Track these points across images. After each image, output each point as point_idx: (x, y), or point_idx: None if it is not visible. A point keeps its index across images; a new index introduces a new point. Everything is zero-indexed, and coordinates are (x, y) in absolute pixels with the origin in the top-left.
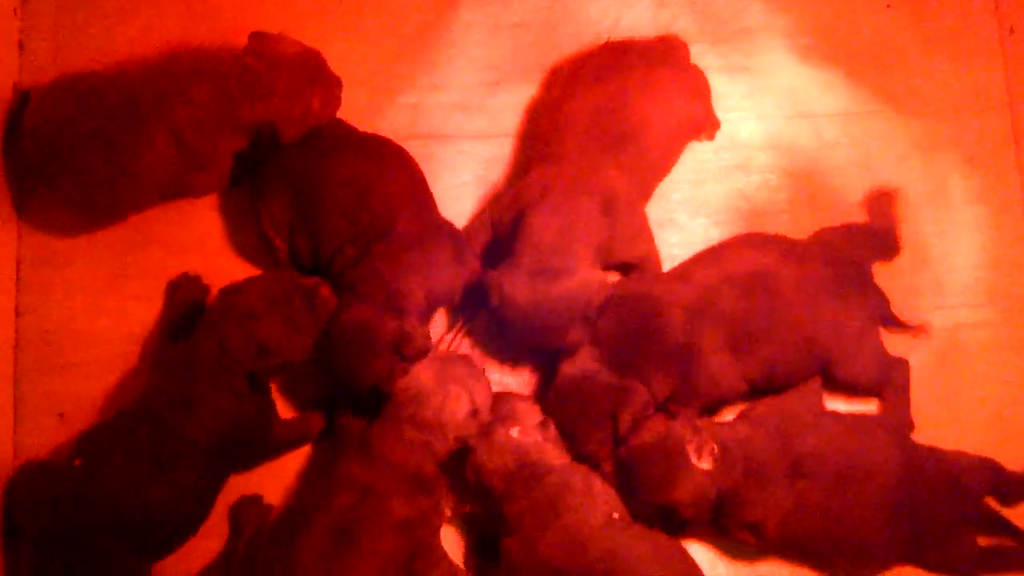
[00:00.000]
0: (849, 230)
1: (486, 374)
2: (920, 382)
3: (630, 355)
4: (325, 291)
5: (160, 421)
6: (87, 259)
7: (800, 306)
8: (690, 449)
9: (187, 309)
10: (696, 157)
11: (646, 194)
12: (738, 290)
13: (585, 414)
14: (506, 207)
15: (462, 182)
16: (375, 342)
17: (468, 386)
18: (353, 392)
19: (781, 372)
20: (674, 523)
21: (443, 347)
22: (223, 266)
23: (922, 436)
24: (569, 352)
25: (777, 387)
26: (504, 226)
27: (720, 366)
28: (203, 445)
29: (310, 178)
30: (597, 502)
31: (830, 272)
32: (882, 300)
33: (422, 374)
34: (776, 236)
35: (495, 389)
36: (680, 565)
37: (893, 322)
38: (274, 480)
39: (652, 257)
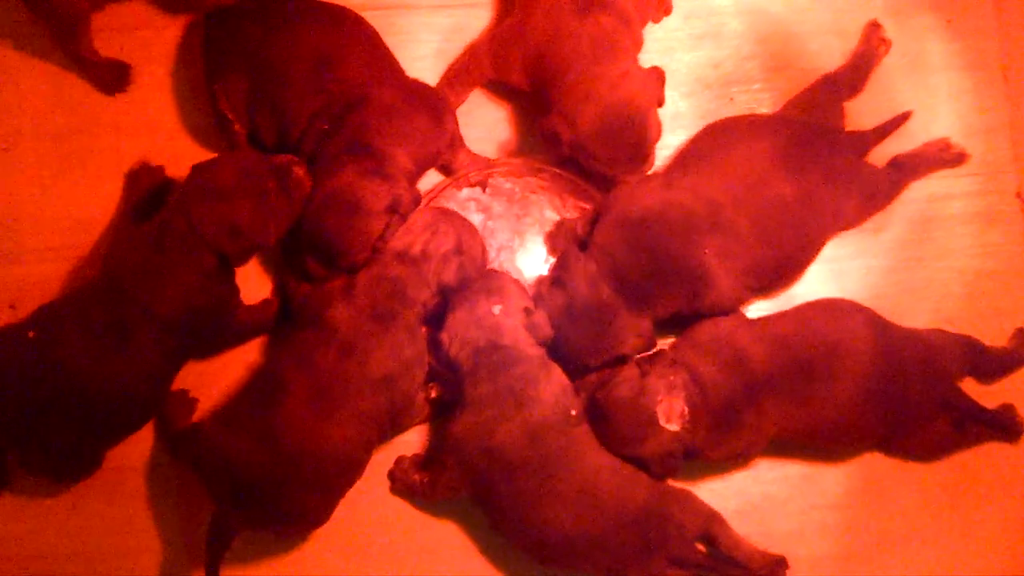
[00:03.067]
0: (812, 96)
1: (476, 228)
2: (895, 252)
3: (639, 273)
4: (299, 171)
5: (122, 294)
6: (32, 144)
7: (804, 216)
8: (659, 411)
9: (148, 196)
10: (665, 26)
11: (637, 44)
12: (742, 204)
13: (583, 336)
14: (513, 43)
15: (422, 54)
16: (368, 208)
17: (456, 228)
18: (346, 262)
19: (783, 275)
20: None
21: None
22: (177, 149)
23: (898, 306)
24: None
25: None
26: (513, 63)
27: (727, 285)
28: (165, 321)
29: (269, 53)
30: (559, 398)
31: (818, 158)
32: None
33: (414, 218)
34: (758, 120)
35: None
36: (630, 468)
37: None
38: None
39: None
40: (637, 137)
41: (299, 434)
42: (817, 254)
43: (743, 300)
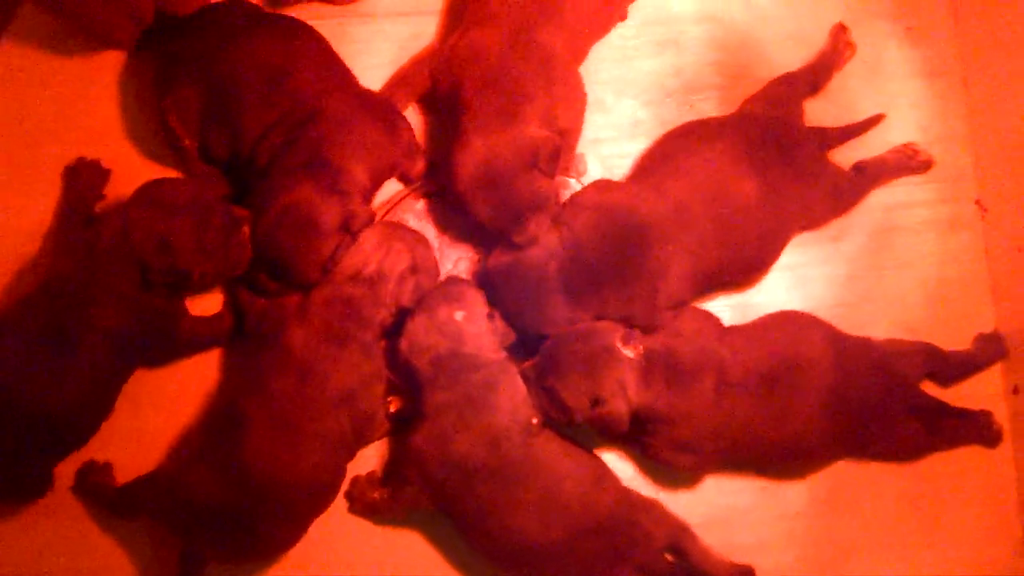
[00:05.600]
0: (772, 92)
1: (430, 243)
2: (855, 261)
3: (600, 267)
4: (246, 230)
5: (62, 304)
6: None
7: (767, 213)
8: (616, 337)
9: (88, 194)
10: (623, 34)
11: (580, 57)
12: (708, 207)
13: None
14: (441, 70)
15: (377, 63)
16: (321, 224)
17: (410, 245)
18: (298, 280)
19: (745, 273)
20: (593, 425)
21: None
22: (125, 161)
23: (856, 314)
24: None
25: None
26: (442, 90)
27: (680, 287)
28: (105, 331)
29: (220, 66)
30: (519, 406)
31: (781, 152)
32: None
33: (364, 236)
34: (718, 121)
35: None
36: (595, 476)
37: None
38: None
39: (577, 128)
40: (500, 200)
41: (265, 465)
42: (780, 251)
43: (691, 300)
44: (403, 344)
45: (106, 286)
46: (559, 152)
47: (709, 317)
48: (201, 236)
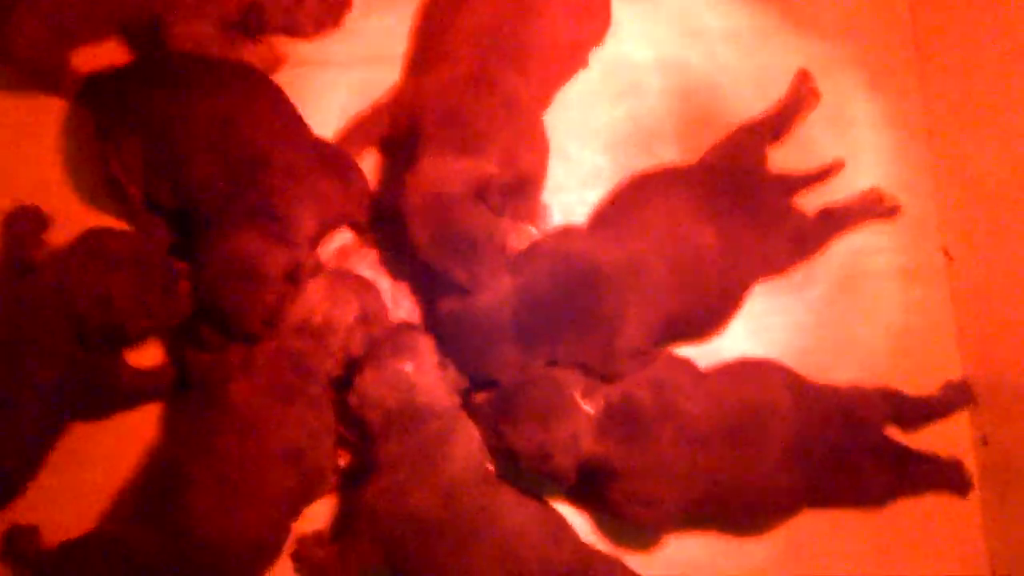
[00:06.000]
0: (735, 140)
1: (379, 290)
2: (820, 309)
3: (555, 314)
4: (184, 284)
5: None
6: None
7: (728, 262)
8: (578, 389)
9: (27, 240)
10: (584, 81)
11: (545, 103)
12: (664, 254)
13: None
14: (401, 108)
15: (332, 111)
16: (265, 274)
17: (359, 294)
18: (241, 332)
19: (704, 324)
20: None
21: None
22: (67, 210)
23: (821, 363)
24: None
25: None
26: (401, 131)
27: (638, 334)
28: (37, 388)
29: (165, 117)
30: (474, 453)
31: (742, 200)
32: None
33: (311, 286)
34: (677, 169)
35: (399, 320)
36: (552, 530)
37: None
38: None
39: (540, 175)
40: (440, 226)
41: (208, 525)
42: (742, 302)
43: (650, 351)
44: (352, 399)
45: (39, 340)
46: (510, 191)
47: (683, 365)
48: (141, 292)
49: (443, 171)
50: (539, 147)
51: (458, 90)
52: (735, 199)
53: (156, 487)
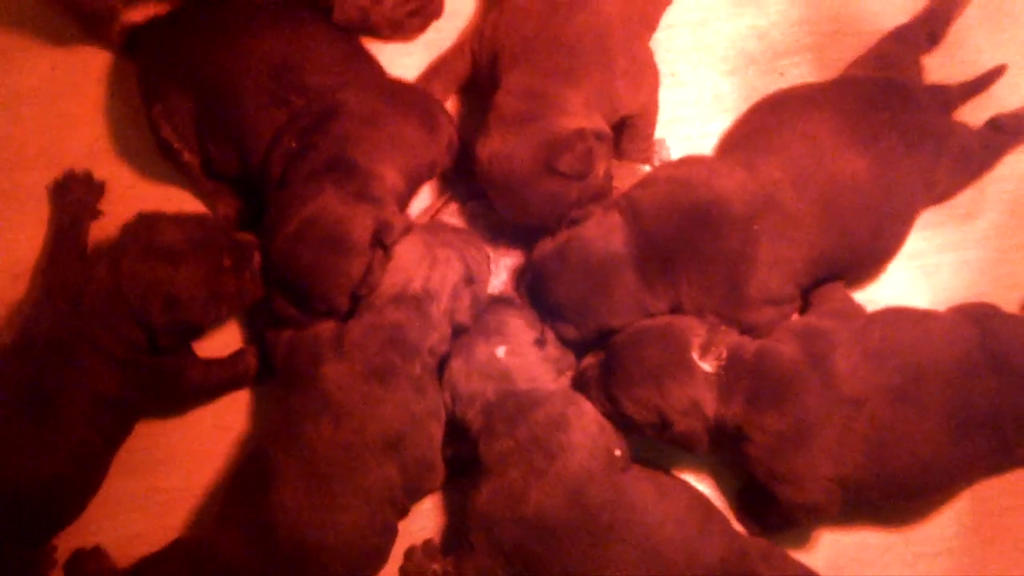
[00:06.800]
0: (881, 51)
1: (481, 242)
2: (990, 242)
3: (671, 247)
4: (257, 259)
5: (39, 369)
6: None
7: (881, 191)
8: (695, 344)
9: (81, 212)
10: None
11: (650, 23)
12: (804, 185)
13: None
14: (479, 44)
15: (409, 49)
16: (349, 240)
17: (459, 251)
18: (323, 306)
19: (858, 265)
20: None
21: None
22: (121, 183)
23: (999, 305)
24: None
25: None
26: (483, 66)
27: (775, 277)
28: (93, 395)
29: (213, 66)
30: (596, 438)
31: (893, 120)
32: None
33: (404, 248)
34: (815, 87)
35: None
36: (699, 519)
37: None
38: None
39: (651, 109)
40: (514, 205)
41: (297, 526)
42: (904, 237)
43: (794, 298)
44: (445, 397)
45: (94, 345)
46: (592, 151)
47: (848, 314)
48: (208, 282)
49: (510, 141)
50: (646, 78)
51: (538, 20)
52: (886, 118)
53: (240, 483)
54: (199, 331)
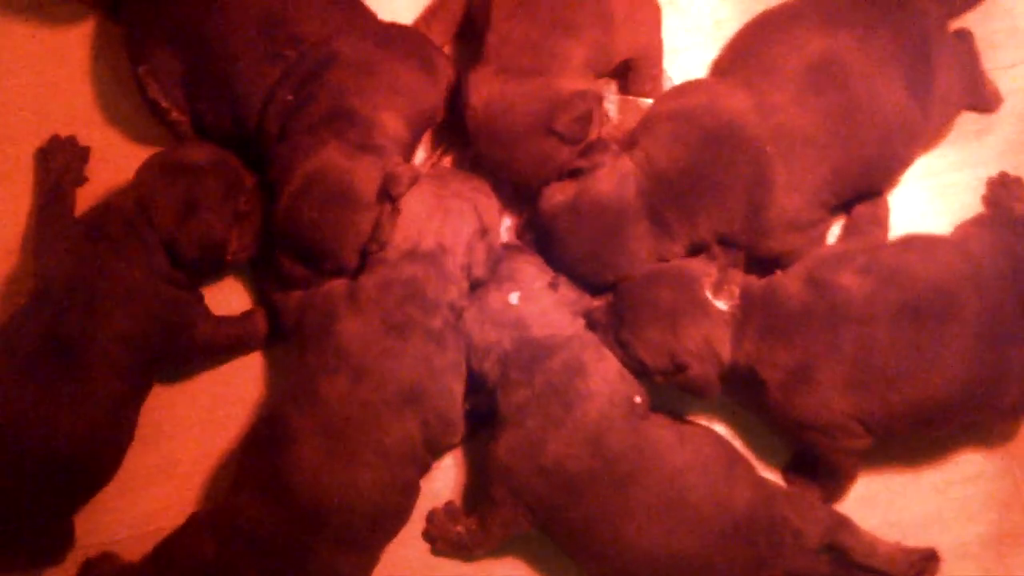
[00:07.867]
0: None
1: (491, 190)
2: (1008, 156)
3: (687, 183)
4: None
5: (58, 317)
6: None
7: (882, 95)
8: (707, 283)
9: (66, 176)
10: None
11: None
12: (806, 100)
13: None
14: None
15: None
16: (358, 193)
17: (471, 200)
18: (332, 264)
19: (871, 180)
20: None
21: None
22: (110, 149)
23: None
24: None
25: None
26: (477, 10)
27: (794, 200)
28: (116, 336)
29: (200, 22)
30: (616, 385)
31: (891, 22)
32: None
33: (414, 200)
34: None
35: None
36: (724, 464)
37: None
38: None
39: (654, 49)
40: (504, 161)
41: (317, 487)
42: (916, 141)
43: (817, 224)
44: None
45: (114, 281)
46: (591, 115)
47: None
48: (234, 198)
49: (508, 93)
50: (647, 16)
51: None
52: (886, 25)
53: (255, 448)
54: (220, 257)
